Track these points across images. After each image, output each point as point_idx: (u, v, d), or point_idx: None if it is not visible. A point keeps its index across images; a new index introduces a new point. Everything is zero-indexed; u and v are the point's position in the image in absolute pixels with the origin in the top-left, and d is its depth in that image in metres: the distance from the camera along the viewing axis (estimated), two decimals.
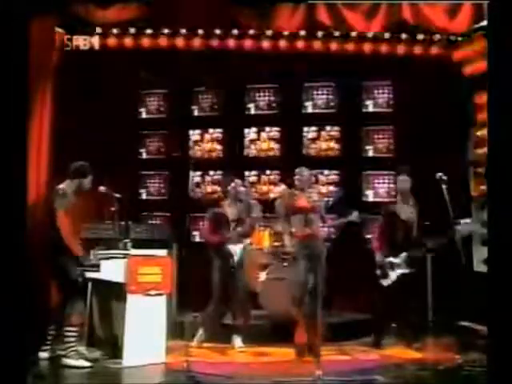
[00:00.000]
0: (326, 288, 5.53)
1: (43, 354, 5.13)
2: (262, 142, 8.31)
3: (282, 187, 5.89)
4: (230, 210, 6.17)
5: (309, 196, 5.74)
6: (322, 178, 8.08)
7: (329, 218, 5.94)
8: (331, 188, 7.99)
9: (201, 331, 5.98)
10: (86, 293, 5.57)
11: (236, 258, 6.02)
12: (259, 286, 6.65)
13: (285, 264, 6.64)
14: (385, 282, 5.81)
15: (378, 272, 5.85)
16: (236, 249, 6.04)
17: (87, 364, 5.04)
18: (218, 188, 8.20)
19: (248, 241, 6.23)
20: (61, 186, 5.21)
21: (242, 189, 6.35)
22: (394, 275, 5.78)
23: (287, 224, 5.76)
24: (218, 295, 5.98)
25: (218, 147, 8.37)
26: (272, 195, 7.93)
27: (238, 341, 5.93)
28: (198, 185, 8.28)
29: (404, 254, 5.77)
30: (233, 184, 6.23)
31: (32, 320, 4.13)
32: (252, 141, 8.34)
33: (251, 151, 8.33)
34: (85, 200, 5.48)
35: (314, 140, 8.22)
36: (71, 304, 5.11)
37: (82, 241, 5.28)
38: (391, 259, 5.80)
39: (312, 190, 6.02)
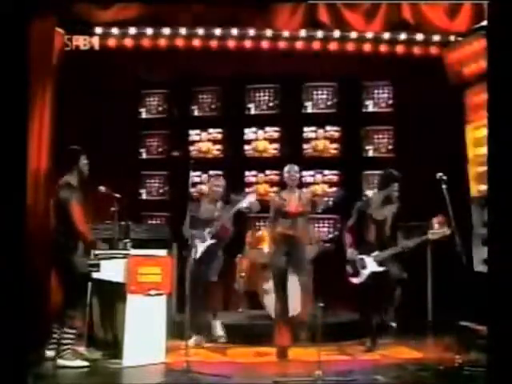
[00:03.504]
0: (326, 288, 5.54)
1: (44, 354, 5.12)
2: (261, 141, 8.32)
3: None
4: (205, 209, 6.21)
5: (300, 198, 5.72)
6: (321, 177, 8.10)
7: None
8: (331, 188, 8.00)
9: (194, 336, 5.91)
10: (86, 293, 5.57)
11: (198, 254, 5.96)
12: (259, 286, 6.64)
13: None
14: (355, 280, 5.73)
15: (348, 269, 5.75)
16: (200, 246, 6.02)
17: (84, 364, 5.03)
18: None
19: (212, 241, 6.09)
20: (65, 178, 5.19)
21: (220, 189, 6.30)
22: (365, 273, 5.69)
23: (273, 226, 5.76)
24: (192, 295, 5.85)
25: (218, 147, 8.39)
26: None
27: (218, 329, 5.98)
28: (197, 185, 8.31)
29: (376, 253, 5.67)
30: (211, 182, 6.33)
31: (32, 320, 4.14)
32: (252, 141, 8.35)
33: (251, 151, 8.34)
34: (85, 200, 5.47)
35: (314, 140, 8.23)
36: (73, 304, 5.10)
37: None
38: (363, 257, 5.71)
39: (304, 191, 6.02)
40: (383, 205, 5.78)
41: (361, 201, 6.11)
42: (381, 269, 5.63)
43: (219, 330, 6.02)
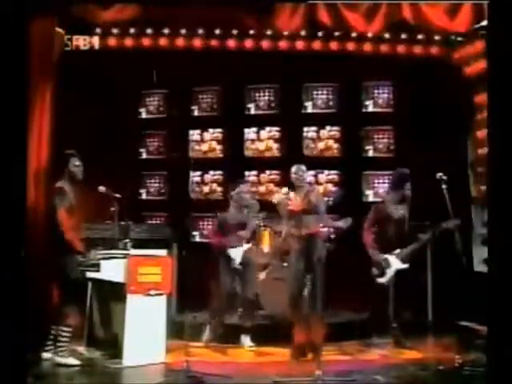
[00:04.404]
0: (326, 288, 5.53)
1: (43, 354, 5.12)
2: (261, 141, 8.32)
3: (282, 191, 5.83)
4: (233, 215, 6.21)
5: (306, 196, 5.68)
6: (322, 177, 8.10)
7: (329, 217, 5.86)
8: (331, 188, 8.00)
9: (207, 331, 6.01)
10: (85, 293, 5.57)
11: (238, 260, 6.08)
12: (259, 286, 6.64)
13: (285, 264, 6.63)
14: (382, 280, 5.72)
15: (374, 270, 5.73)
16: (238, 251, 6.10)
17: (77, 362, 5.04)
18: (218, 188, 8.25)
19: (249, 244, 6.26)
20: (58, 184, 5.21)
21: (247, 195, 6.34)
22: (390, 272, 5.72)
23: (286, 226, 5.72)
24: (223, 297, 6.04)
25: (218, 147, 8.39)
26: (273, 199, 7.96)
27: (247, 340, 5.96)
28: (197, 185, 8.31)
29: (398, 250, 5.71)
30: (238, 189, 6.25)
31: (32, 320, 4.14)
32: (252, 141, 8.35)
33: (251, 151, 8.34)
34: (85, 200, 5.48)
35: (314, 140, 8.22)
36: (70, 304, 5.11)
37: (82, 240, 5.27)
38: (386, 256, 5.72)
39: (311, 189, 6.00)
40: (399, 203, 5.82)
41: (377, 202, 6.07)
42: (404, 266, 5.69)
43: (249, 341, 6.01)
